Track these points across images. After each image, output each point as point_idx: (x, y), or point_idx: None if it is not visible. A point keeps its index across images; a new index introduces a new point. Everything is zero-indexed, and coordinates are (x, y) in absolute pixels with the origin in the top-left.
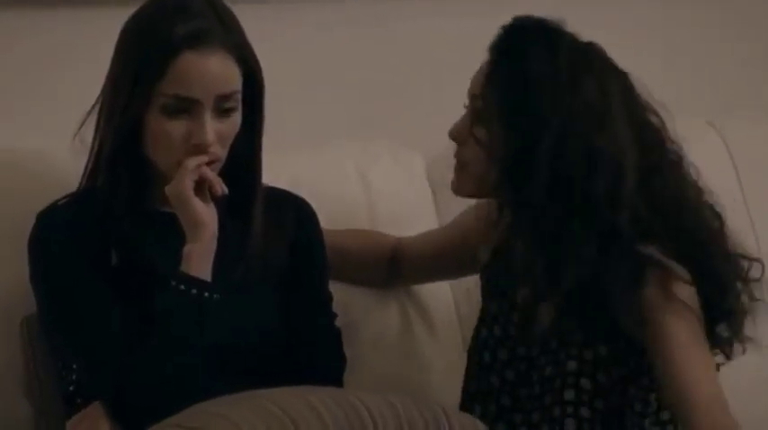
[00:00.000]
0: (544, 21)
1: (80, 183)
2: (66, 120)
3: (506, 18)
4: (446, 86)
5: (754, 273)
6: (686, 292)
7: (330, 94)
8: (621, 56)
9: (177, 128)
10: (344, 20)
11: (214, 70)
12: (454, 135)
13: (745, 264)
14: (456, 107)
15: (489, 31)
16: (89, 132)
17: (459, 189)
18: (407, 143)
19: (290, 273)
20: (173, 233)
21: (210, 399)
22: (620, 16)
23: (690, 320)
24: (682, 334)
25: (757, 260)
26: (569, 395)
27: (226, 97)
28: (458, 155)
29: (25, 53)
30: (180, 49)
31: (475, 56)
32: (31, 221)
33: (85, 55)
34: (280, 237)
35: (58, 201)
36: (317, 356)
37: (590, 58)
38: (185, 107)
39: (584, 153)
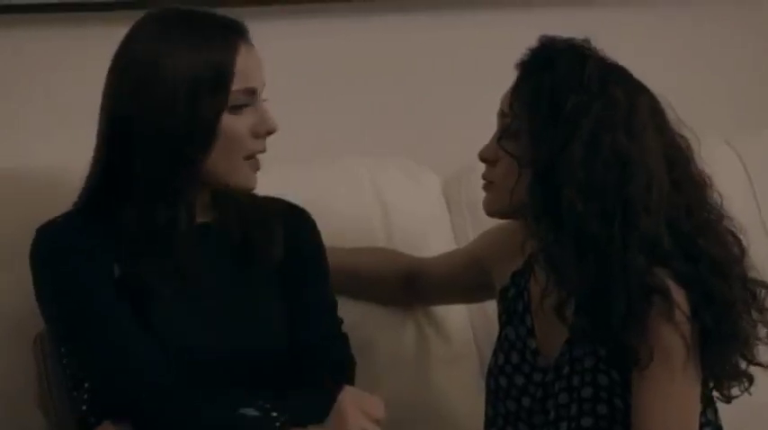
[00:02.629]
0: (572, 39)
1: (79, 200)
2: (72, 134)
3: (523, 35)
4: (463, 104)
5: None
6: (683, 325)
7: (345, 110)
8: (633, 70)
9: (244, 122)
10: (360, 35)
11: (259, 58)
12: (484, 156)
13: (763, 292)
14: (472, 124)
15: (508, 47)
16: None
17: (490, 207)
18: (422, 160)
19: (292, 280)
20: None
21: None
22: (639, 34)
23: (675, 356)
24: (663, 376)
25: None
26: (587, 422)
27: (263, 84)
28: (486, 175)
29: (30, 66)
30: (237, 44)
31: (493, 73)
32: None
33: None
34: (282, 244)
35: (57, 218)
36: (326, 358)
37: (619, 74)
38: (247, 99)
39: (615, 158)
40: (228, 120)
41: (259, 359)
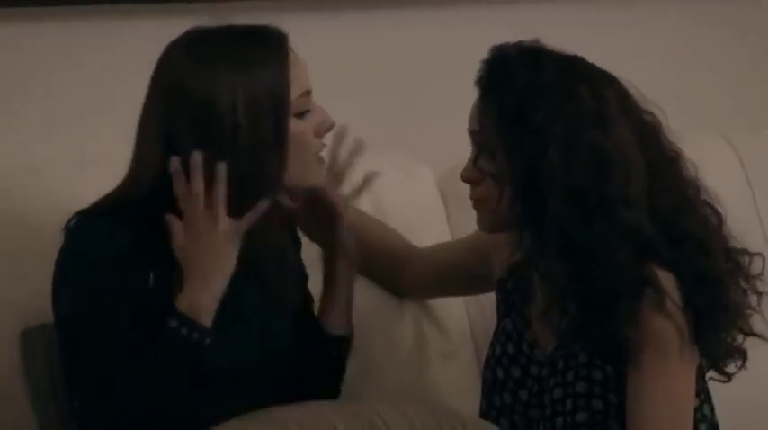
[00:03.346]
0: (522, 44)
1: (113, 196)
2: (68, 133)
3: (519, 31)
4: (456, 99)
5: (756, 268)
6: (676, 315)
7: (338, 106)
8: (632, 70)
9: (309, 125)
10: (353, 31)
11: (302, 58)
12: (464, 176)
13: (746, 259)
14: (464, 120)
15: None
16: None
17: (482, 226)
18: (417, 155)
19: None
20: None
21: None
22: (634, 28)
23: (670, 348)
24: (658, 367)
25: (758, 254)
26: (581, 417)
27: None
28: (472, 194)
29: (26, 63)
30: (286, 52)
31: None
32: (30, 235)
33: (91, 64)
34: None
35: (89, 211)
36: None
37: (576, 68)
38: (307, 104)
39: (592, 157)
40: (296, 127)
41: (276, 375)
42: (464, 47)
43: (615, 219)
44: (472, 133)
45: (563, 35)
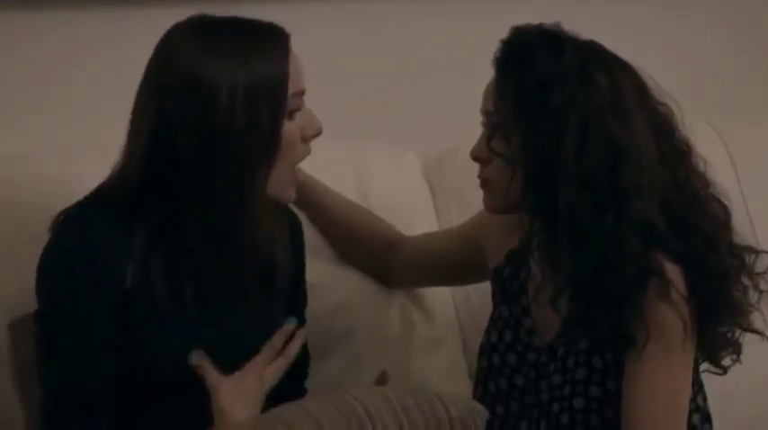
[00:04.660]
0: (542, 26)
1: (106, 193)
2: (63, 125)
3: (504, 21)
4: (441, 88)
5: (760, 265)
6: (680, 305)
7: (325, 96)
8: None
9: (297, 126)
10: (339, 21)
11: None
12: (475, 155)
13: (751, 256)
14: (452, 109)
15: (487, 32)
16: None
17: (489, 207)
18: (403, 144)
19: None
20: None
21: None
22: (620, 16)
23: (673, 337)
24: (659, 356)
25: (763, 252)
26: (578, 403)
27: None
28: (481, 174)
29: (26, 56)
30: (287, 49)
31: (472, 58)
32: (19, 226)
33: (88, 58)
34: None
35: (76, 207)
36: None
37: (596, 55)
38: (298, 104)
39: (607, 146)
40: (289, 128)
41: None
42: (452, 36)
43: (626, 210)
44: (486, 113)
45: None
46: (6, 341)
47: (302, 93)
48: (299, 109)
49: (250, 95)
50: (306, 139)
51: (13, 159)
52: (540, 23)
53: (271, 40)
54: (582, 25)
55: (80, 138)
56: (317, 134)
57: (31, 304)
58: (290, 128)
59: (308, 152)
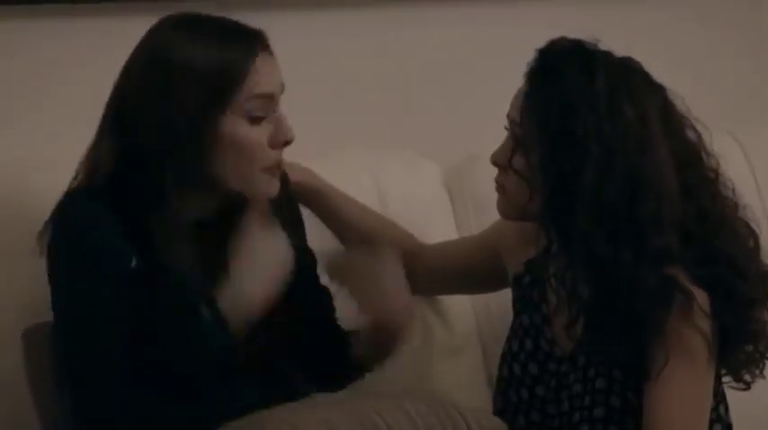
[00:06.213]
0: (580, 42)
1: (78, 182)
2: (68, 129)
3: (525, 29)
4: (461, 95)
5: None
6: (703, 323)
7: (345, 103)
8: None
9: (262, 132)
10: (360, 28)
11: (278, 66)
12: (495, 160)
13: None
14: (472, 116)
15: (506, 39)
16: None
17: (503, 213)
18: (422, 152)
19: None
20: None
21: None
22: (636, 25)
23: (697, 355)
24: (681, 374)
25: None
26: (599, 413)
27: (281, 92)
28: (498, 179)
29: (27, 61)
30: (255, 48)
31: (492, 65)
32: (29, 232)
33: (87, 64)
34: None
35: (81, 193)
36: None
37: (627, 79)
38: (266, 108)
39: (627, 180)
40: (246, 131)
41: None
42: (472, 44)
43: (645, 243)
44: (511, 122)
45: (568, 34)
46: (21, 349)
47: (270, 96)
48: (262, 116)
49: (195, 77)
50: (275, 146)
51: (25, 168)
52: (578, 39)
53: (242, 37)
54: (594, 32)
55: (84, 147)
56: (288, 142)
57: (44, 313)
58: (252, 132)
59: (277, 159)
